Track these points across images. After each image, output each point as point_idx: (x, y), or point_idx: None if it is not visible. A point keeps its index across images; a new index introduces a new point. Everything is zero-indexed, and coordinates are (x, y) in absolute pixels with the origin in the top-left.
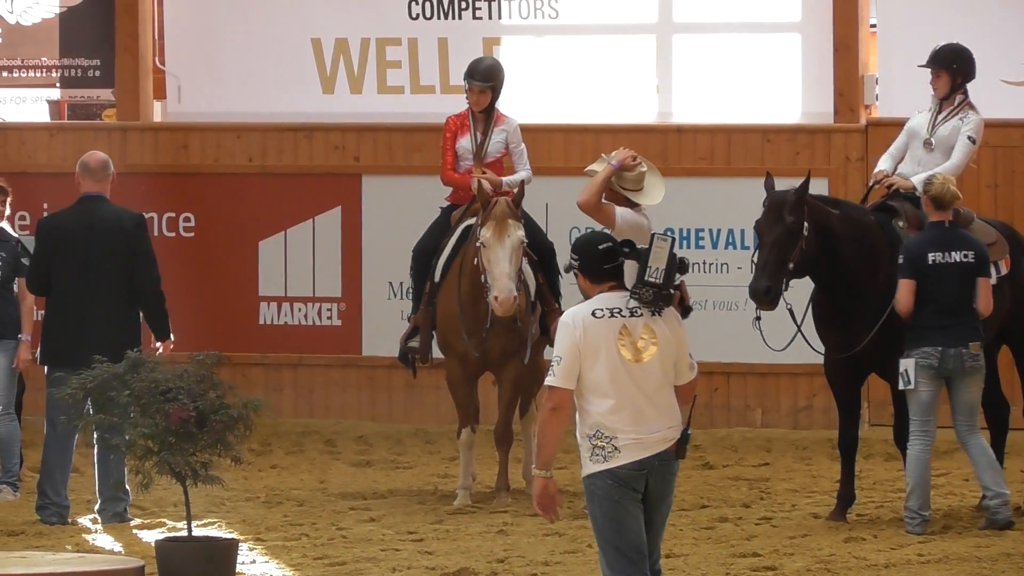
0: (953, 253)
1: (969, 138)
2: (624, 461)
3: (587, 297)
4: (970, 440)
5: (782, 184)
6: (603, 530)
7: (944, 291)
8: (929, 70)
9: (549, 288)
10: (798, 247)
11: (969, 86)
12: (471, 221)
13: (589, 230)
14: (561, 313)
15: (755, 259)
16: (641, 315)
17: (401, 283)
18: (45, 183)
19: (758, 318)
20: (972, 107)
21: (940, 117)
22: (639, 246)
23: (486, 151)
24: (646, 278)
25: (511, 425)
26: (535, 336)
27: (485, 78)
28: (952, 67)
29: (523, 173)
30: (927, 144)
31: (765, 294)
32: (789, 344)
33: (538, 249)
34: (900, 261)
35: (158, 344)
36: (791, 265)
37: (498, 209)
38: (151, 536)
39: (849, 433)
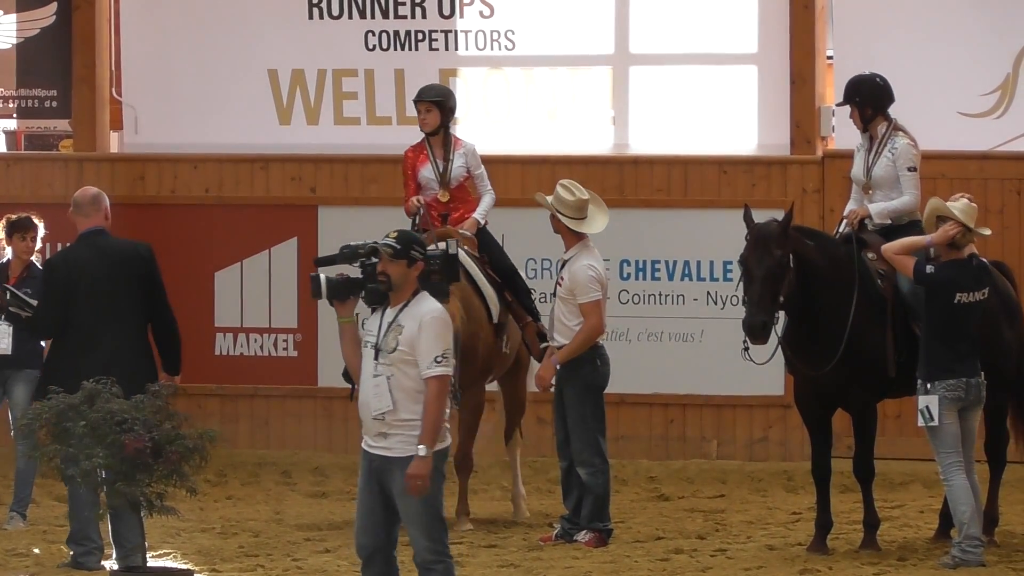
0: (975, 292)
1: (909, 169)
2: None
3: (396, 286)
4: (960, 478)
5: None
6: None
7: (966, 327)
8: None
9: (520, 304)
10: (787, 280)
11: (926, 117)
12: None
13: (545, 260)
14: (537, 324)
15: (743, 293)
16: None
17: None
18: (2, 214)
19: (746, 349)
20: (898, 130)
21: (872, 156)
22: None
23: (450, 176)
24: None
25: (471, 452)
26: (510, 357)
27: (431, 95)
28: (855, 100)
29: (488, 198)
30: (867, 189)
31: (762, 329)
32: (771, 358)
33: (500, 269)
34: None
35: (175, 378)
36: (781, 298)
37: None
38: (106, 566)
39: (822, 461)
